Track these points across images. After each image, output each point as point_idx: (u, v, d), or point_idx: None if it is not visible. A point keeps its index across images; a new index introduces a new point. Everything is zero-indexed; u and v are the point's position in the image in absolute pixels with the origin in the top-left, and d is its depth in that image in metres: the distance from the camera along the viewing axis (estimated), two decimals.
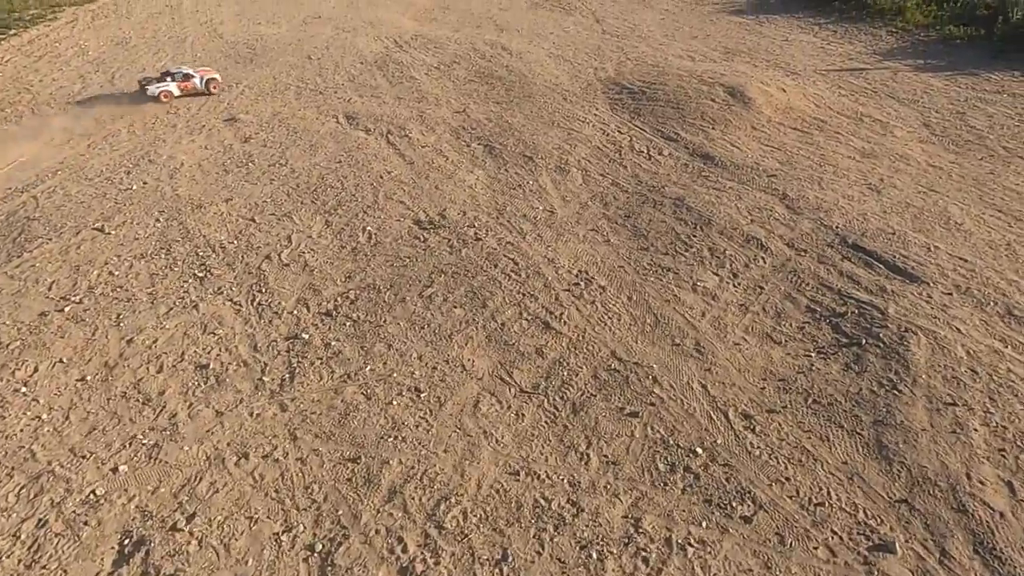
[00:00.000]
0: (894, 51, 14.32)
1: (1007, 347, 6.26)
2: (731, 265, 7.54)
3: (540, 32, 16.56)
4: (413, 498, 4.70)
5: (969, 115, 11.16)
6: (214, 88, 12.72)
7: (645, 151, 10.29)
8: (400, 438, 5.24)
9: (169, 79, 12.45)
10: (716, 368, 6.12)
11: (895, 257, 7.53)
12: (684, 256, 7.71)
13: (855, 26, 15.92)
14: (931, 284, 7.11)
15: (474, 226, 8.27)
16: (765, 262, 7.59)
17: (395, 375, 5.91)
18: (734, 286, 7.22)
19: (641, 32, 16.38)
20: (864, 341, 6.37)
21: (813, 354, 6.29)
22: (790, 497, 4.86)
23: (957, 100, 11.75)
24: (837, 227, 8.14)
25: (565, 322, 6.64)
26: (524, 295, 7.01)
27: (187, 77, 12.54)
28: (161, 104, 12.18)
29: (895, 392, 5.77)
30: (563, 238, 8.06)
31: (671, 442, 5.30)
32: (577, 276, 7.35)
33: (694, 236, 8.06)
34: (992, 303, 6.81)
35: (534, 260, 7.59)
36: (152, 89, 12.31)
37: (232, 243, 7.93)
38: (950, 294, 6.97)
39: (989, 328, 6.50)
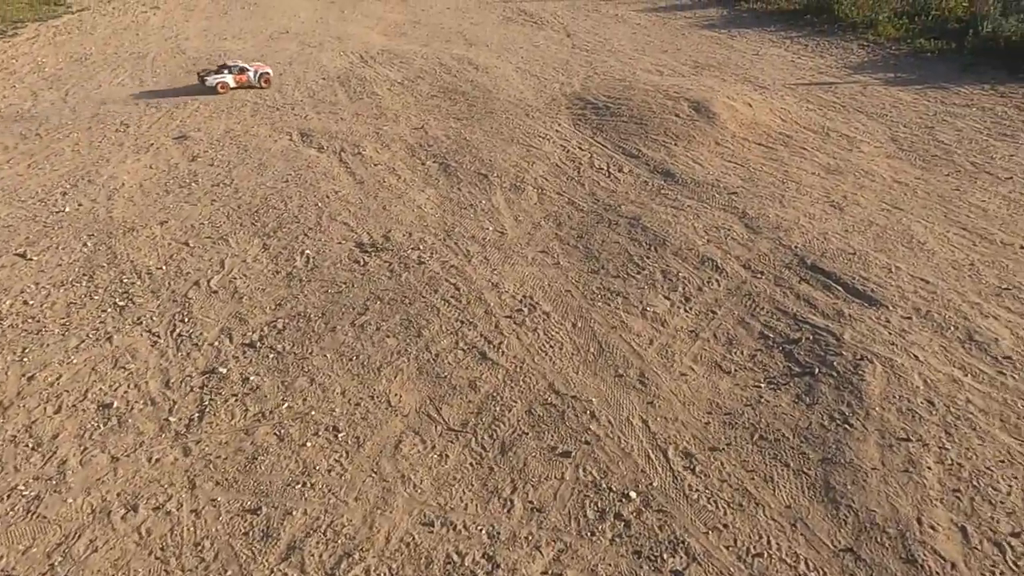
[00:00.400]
0: (865, 64, 14.14)
1: (966, 375, 5.93)
2: (684, 288, 7.20)
3: (509, 46, 16.33)
4: (313, 555, 4.29)
5: (938, 129, 10.94)
6: (265, 83, 13.35)
7: (605, 168, 9.99)
8: (309, 485, 4.84)
9: (226, 71, 13.13)
10: (659, 401, 5.75)
11: (854, 279, 7.22)
12: (635, 279, 7.37)
13: (827, 39, 15.79)
14: (890, 307, 6.79)
15: (419, 248, 7.91)
16: (720, 285, 7.26)
17: (314, 413, 5.51)
18: (686, 311, 6.88)
19: (612, 46, 16.18)
20: (817, 370, 6.03)
21: (763, 384, 5.94)
22: (727, 547, 4.48)
23: (926, 114, 11.53)
24: (796, 247, 7.83)
25: (503, 352, 6.26)
26: (463, 323, 6.64)
27: (242, 71, 13.17)
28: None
29: (846, 427, 5.42)
30: (511, 261, 7.71)
31: (603, 485, 4.92)
32: (521, 302, 6.99)
33: (647, 258, 7.72)
34: (953, 327, 6.50)
35: (478, 285, 7.23)
36: (210, 80, 13.01)
37: (161, 269, 7.53)
38: (910, 318, 6.65)
39: (949, 355, 6.17)
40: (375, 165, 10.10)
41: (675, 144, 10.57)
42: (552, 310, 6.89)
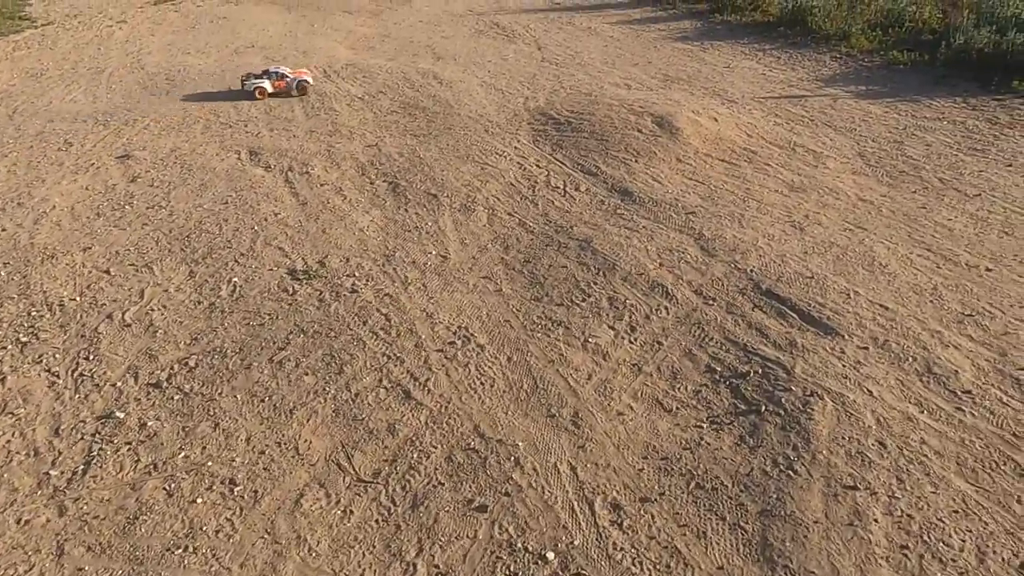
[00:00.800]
0: (836, 77, 13.85)
1: (922, 412, 5.53)
2: (630, 317, 6.80)
3: (478, 60, 15.99)
4: None
5: (907, 144, 10.61)
6: (301, 91, 13.35)
7: (561, 187, 9.60)
8: (192, 549, 4.38)
9: (266, 77, 13.24)
10: (592, 444, 5.32)
11: (810, 305, 6.82)
12: (580, 307, 6.96)
13: (799, 52, 15.51)
14: (846, 336, 6.39)
15: (354, 275, 7.48)
16: (669, 313, 6.86)
17: (211, 463, 5.06)
18: (630, 342, 6.47)
19: (581, 59, 15.86)
20: (764, 408, 5.62)
21: (705, 424, 5.52)
22: None
23: (896, 128, 11.21)
24: (752, 271, 7.44)
25: (430, 391, 5.83)
26: (389, 358, 6.20)
27: (281, 77, 13.22)
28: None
29: (790, 473, 5.00)
30: (450, 288, 7.29)
31: (519, 545, 4.48)
32: (456, 333, 6.57)
33: (595, 283, 7.32)
34: (911, 359, 6.10)
35: (411, 315, 6.80)
36: (248, 85, 13.23)
37: (74, 300, 7.08)
38: (866, 348, 6.25)
39: (905, 389, 5.77)
40: (322, 185, 9.68)
41: (636, 161, 10.21)
42: (488, 342, 6.46)
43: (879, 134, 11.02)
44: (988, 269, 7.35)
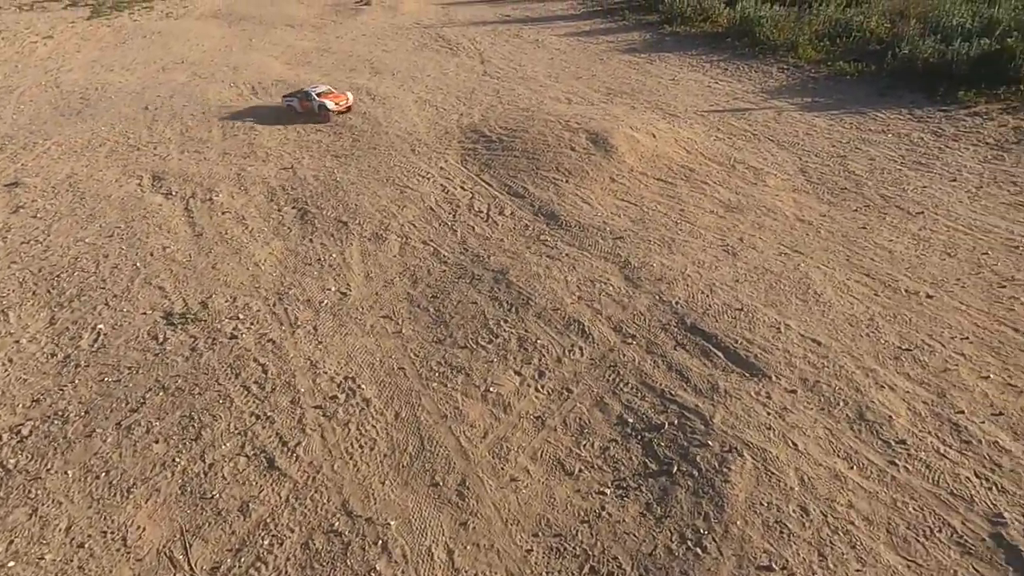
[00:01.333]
0: (783, 89, 13.43)
1: (852, 468, 4.92)
2: (540, 360, 6.12)
3: (416, 75, 15.33)
4: None
5: (850, 158, 10.14)
6: (324, 117, 12.25)
7: (484, 211, 8.94)
8: None
9: (295, 98, 12.54)
10: (476, 520, 4.62)
11: (737, 342, 6.22)
12: (486, 350, 6.27)
13: (747, 63, 15.09)
14: (773, 378, 5.79)
15: (238, 318, 6.72)
16: (583, 354, 6.20)
17: (14, 562, 4.24)
18: (537, 390, 5.79)
19: (525, 73, 15.28)
20: (676, 468, 4.97)
21: (609, 489, 4.85)
22: None
23: (839, 142, 10.75)
24: (677, 303, 6.82)
25: (298, 458, 5.08)
26: (258, 418, 5.45)
27: (307, 97, 12.40)
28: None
29: (698, 551, 4.34)
30: (344, 330, 6.56)
31: None
32: (340, 385, 5.83)
33: (505, 321, 6.64)
34: (842, 403, 5.51)
35: (293, 365, 6.05)
36: (283, 100, 12.71)
37: None
38: (794, 392, 5.65)
39: (834, 440, 5.16)
40: (223, 213, 8.90)
41: (566, 181, 9.59)
42: (375, 395, 5.74)
43: (822, 148, 10.55)
44: (929, 296, 6.82)
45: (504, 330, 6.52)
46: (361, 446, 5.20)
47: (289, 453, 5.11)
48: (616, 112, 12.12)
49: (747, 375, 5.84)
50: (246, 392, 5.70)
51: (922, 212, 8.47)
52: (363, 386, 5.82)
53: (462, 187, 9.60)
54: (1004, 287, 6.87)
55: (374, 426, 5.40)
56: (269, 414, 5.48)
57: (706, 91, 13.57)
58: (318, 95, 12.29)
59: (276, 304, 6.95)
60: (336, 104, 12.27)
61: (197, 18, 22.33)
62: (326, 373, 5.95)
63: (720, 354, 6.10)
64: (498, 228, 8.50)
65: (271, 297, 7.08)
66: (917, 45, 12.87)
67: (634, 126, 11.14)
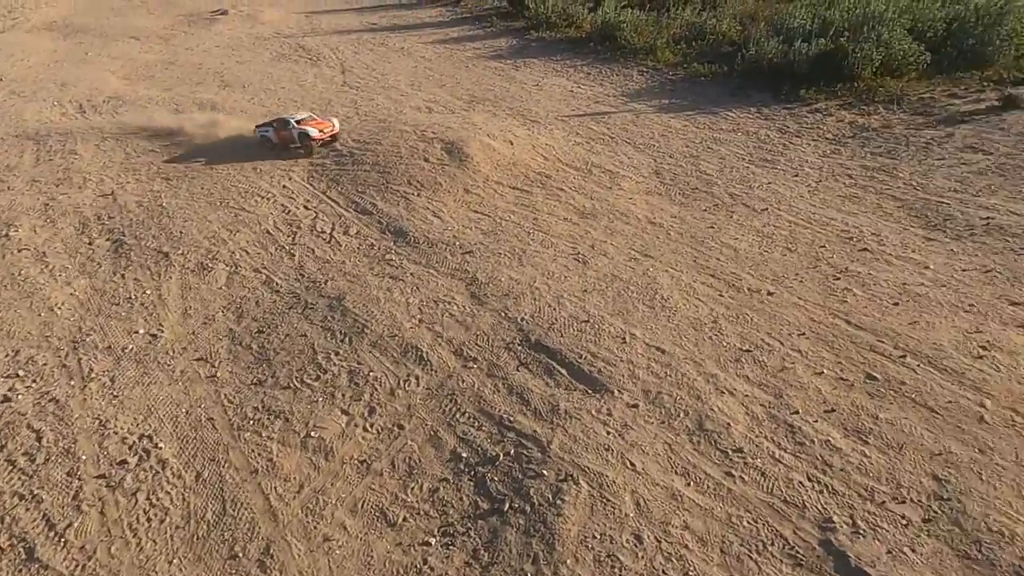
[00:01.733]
0: (642, 91, 13.58)
1: (688, 485, 4.70)
2: (372, 395, 5.59)
3: (270, 87, 14.42)
4: None
5: (702, 158, 10.27)
6: (305, 148, 10.48)
7: (328, 231, 8.30)
8: None
9: (270, 127, 10.77)
10: None
11: (581, 357, 5.94)
12: (311, 388, 5.66)
13: (609, 67, 15.22)
14: (616, 393, 5.53)
15: (17, 375, 5.76)
16: (419, 384, 5.72)
17: None
18: (365, 429, 5.25)
19: (387, 82, 14.71)
20: (508, 505, 4.58)
21: (435, 538, 4.39)
22: None
23: (693, 142, 10.90)
24: (523, 319, 6.48)
25: (67, 543, 4.29)
26: (23, 498, 4.59)
27: (285, 125, 10.56)
28: None
29: None
30: (147, 380, 5.75)
31: None
32: (133, 447, 5.06)
33: (337, 354, 6.06)
34: (683, 414, 5.32)
35: (77, 427, 5.21)
36: (257, 132, 10.85)
37: None
38: (636, 406, 5.41)
39: (673, 456, 4.95)
40: (20, 251, 7.78)
41: (418, 194, 9.11)
42: (175, 455, 5.01)
43: (677, 149, 10.64)
44: (770, 293, 6.84)
45: (334, 364, 5.93)
46: (149, 519, 4.47)
47: (56, 538, 4.31)
48: (476, 120, 11.79)
49: (590, 391, 5.56)
50: (11, 467, 4.82)
51: (766, 208, 8.61)
52: (161, 445, 5.07)
53: (305, 206, 8.92)
54: (839, 279, 7.00)
55: (168, 492, 4.68)
56: (37, 492, 4.64)
57: (568, 96, 13.51)
58: (298, 122, 10.58)
59: (68, 355, 6.04)
60: (320, 132, 10.56)
61: (28, 31, 20.26)
62: (117, 433, 5.15)
63: (564, 371, 5.80)
64: (341, 249, 7.89)
65: (63, 347, 6.14)
66: (763, 46, 13.35)
67: (492, 134, 10.83)
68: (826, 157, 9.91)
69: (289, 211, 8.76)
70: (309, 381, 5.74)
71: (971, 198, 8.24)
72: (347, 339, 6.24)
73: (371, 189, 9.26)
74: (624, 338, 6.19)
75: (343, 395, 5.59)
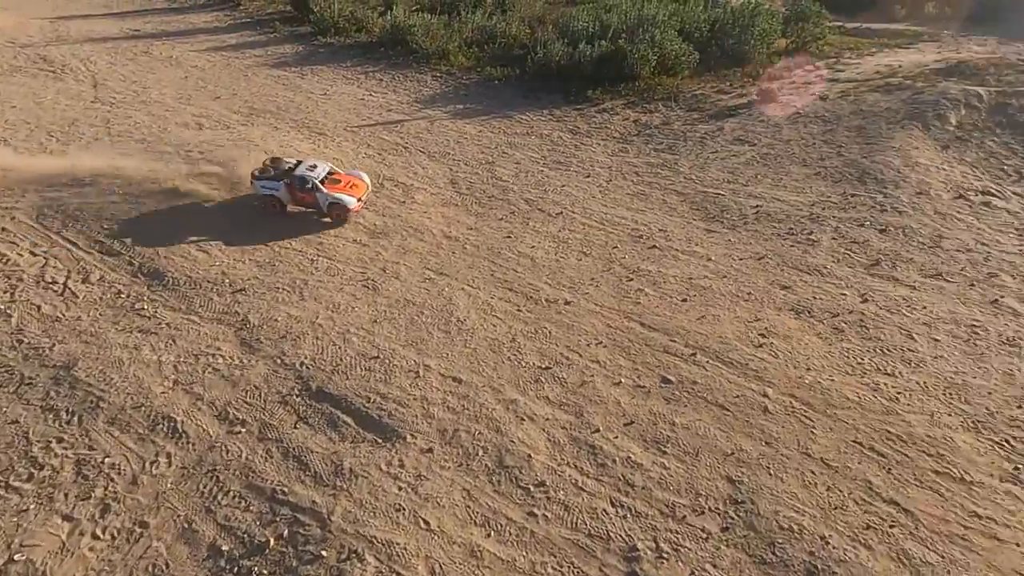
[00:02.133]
0: (436, 97, 13.14)
1: (489, 536, 4.24)
2: (106, 489, 4.50)
3: None
4: None
5: (498, 164, 10.02)
6: (338, 216, 7.78)
7: (60, 282, 6.83)
8: None
9: (278, 182, 7.94)
10: None
11: (370, 400, 5.27)
12: (20, 493, 4.45)
13: (401, 72, 14.60)
14: (408, 439, 4.94)
15: None
16: (171, 464, 4.71)
17: None
18: (95, 536, 4.18)
19: (149, 96, 12.89)
20: None
21: None
22: None
23: (488, 148, 10.63)
24: (303, 364, 5.67)
25: None
26: None
27: (303, 184, 7.70)
28: None
29: None
30: None
31: None
32: None
33: (60, 441, 4.84)
34: (482, 451, 4.86)
35: None
36: (256, 187, 7.98)
37: None
38: (430, 451, 4.86)
39: (472, 504, 4.46)
40: None
41: (181, 226, 7.85)
42: None
43: (472, 156, 10.30)
44: (567, 302, 6.65)
45: (55, 456, 4.73)
46: None
47: None
48: (254, 135, 10.61)
49: (379, 441, 4.92)
50: None
51: (561, 212, 8.51)
52: None
53: (32, 252, 7.32)
54: (632, 280, 6.99)
55: None
56: None
57: (359, 104, 12.71)
58: (322, 182, 7.82)
59: None
60: (359, 200, 7.97)
61: None
62: None
63: (350, 420, 5.11)
64: (77, 303, 6.51)
65: None
66: (551, 48, 13.50)
67: (270, 150, 9.76)
68: (614, 156, 10.10)
69: (8, 261, 7.13)
70: (17, 484, 4.51)
71: (741, 187, 8.75)
72: (76, 419, 5.03)
73: (121, 224, 7.84)
74: (418, 371, 5.62)
75: (66, 495, 4.44)
